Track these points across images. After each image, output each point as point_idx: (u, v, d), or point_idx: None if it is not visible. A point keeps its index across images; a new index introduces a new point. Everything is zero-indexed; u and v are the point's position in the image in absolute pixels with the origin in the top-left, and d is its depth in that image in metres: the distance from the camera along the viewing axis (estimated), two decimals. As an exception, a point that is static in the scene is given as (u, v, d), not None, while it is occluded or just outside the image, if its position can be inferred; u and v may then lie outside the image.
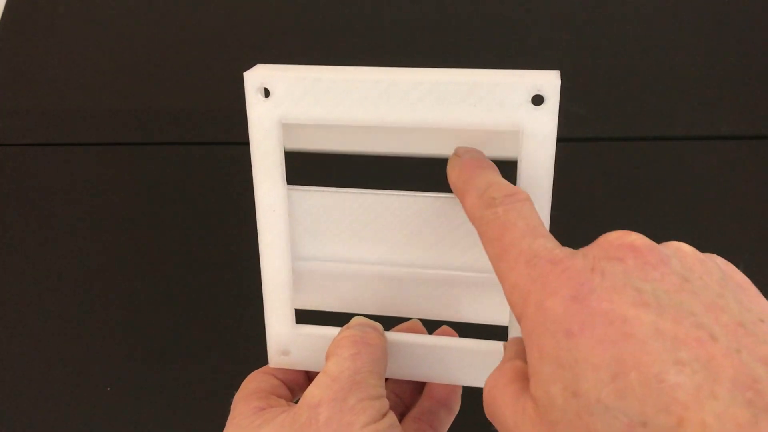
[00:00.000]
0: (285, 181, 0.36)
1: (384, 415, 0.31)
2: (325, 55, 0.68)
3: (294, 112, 0.34)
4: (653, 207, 0.59)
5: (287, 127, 0.36)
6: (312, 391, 0.32)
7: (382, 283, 0.38)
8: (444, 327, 0.39)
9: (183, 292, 0.59)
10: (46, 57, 0.73)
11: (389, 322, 0.39)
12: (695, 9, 0.70)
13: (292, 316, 0.38)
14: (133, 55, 0.72)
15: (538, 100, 0.32)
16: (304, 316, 0.39)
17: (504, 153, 0.34)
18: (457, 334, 0.38)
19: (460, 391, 0.38)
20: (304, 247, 0.38)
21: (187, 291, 0.59)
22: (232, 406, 0.35)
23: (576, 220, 0.59)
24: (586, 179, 0.61)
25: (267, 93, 0.34)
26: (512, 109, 0.32)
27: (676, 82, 0.66)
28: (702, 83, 0.66)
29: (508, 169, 0.33)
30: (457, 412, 0.38)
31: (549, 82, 0.31)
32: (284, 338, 0.39)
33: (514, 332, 0.35)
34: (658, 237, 0.62)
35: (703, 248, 0.57)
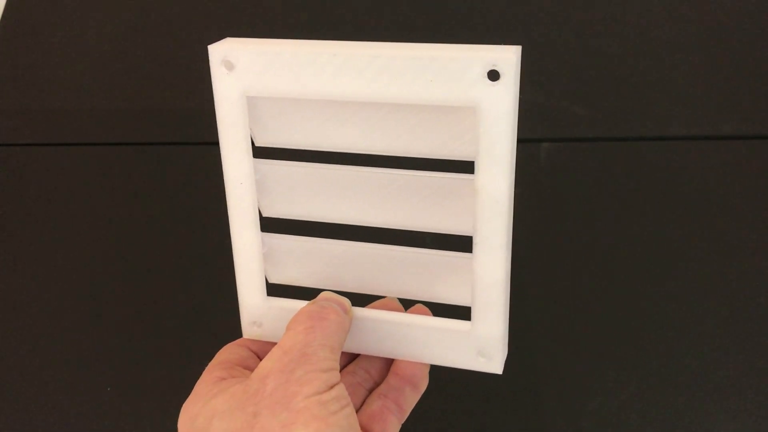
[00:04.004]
0: (251, 154, 0.36)
1: (331, 387, 0.32)
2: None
3: (257, 85, 0.34)
4: (653, 207, 0.59)
5: (260, 123, 0.36)
6: (264, 364, 0.33)
7: (352, 260, 0.38)
8: (418, 305, 0.39)
9: (183, 292, 0.59)
10: (46, 57, 0.73)
11: (365, 300, 0.39)
12: (695, 9, 0.70)
13: (263, 289, 0.39)
14: (133, 55, 0.72)
15: (493, 75, 0.31)
16: (289, 291, 0.40)
17: (467, 131, 0.34)
18: (430, 313, 0.39)
19: (427, 370, 0.38)
20: (275, 220, 0.39)
21: (188, 291, 0.59)
22: (202, 375, 0.36)
23: (576, 220, 0.60)
24: (586, 179, 0.61)
25: (231, 66, 0.34)
26: (468, 85, 0.31)
27: (676, 82, 0.66)
28: (702, 83, 0.66)
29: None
30: (423, 391, 0.39)
31: (505, 56, 0.30)
32: (256, 310, 0.39)
33: (476, 313, 0.36)
34: (659, 237, 0.63)
35: (703, 248, 0.57)
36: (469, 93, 0.31)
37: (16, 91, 0.71)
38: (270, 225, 0.39)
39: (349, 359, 0.40)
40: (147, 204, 0.64)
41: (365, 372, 0.39)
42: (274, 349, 0.34)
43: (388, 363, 0.39)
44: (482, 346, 0.36)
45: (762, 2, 0.70)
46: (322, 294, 0.37)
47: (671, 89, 0.66)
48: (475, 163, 0.33)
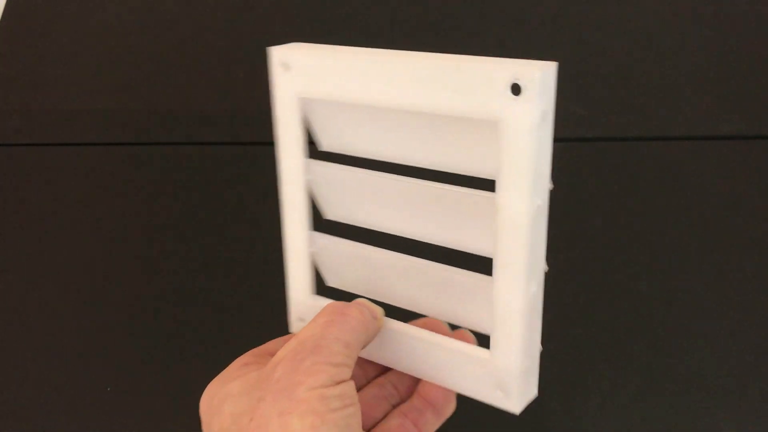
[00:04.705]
0: (304, 154, 0.37)
1: (338, 383, 0.31)
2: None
3: (309, 87, 0.36)
4: (653, 207, 0.59)
5: (321, 128, 0.37)
6: (279, 352, 0.33)
7: (395, 272, 0.38)
8: (462, 330, 0.38)
9: (183, 292, 0.59)
10: (46, 57, 0.73)
11: (409, 317, 0.38)
12: (695, 9, 0.70)
13: (310, 287, 0.39)
14: (133, 55, 0.72)
15: (516, 89, 0.30)
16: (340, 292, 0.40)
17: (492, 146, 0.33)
18: (474, 340, 0.37)
19: (451, 397, 0.37)
20: (327, 219, 0.39)
21: (187, 291, 0.59)
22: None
23: (576, 219, 0.59)
24: (586, 179, 0.61)
25: (288, 68, 0.36)
26: (491, 98, 0.31)
27: (676, 82, 0.66)
28: (702, 83, 0.66)
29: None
30: (446, 417, 0.38)
31: (528, 71, 0.30)
32: (302, 307, 0.40)
33: (494, 342, 0.34)
34: (659, 236, 0.62)
35: (703, 248, 0.57)
36: (491, 106, 0.31)
37: (16, 91, 0.71)
38: (333, 228, 0.39)
39: (381, 371, 0.40)
40: (147, 204, 0.64)
41: (393, 387, 0.38)
42: (292, 339, 0.33)
43: (417, 382, 0.38)
44: (501, 378, 0.34)
45: (762, 2, 0.70)
46: (357, 299, 0.37)
47: (671, 89, 0.66)
48: (496, 182, 0.32)
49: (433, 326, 0.38)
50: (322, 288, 0.40)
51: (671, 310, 0.55)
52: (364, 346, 0.35)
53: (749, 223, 0.58)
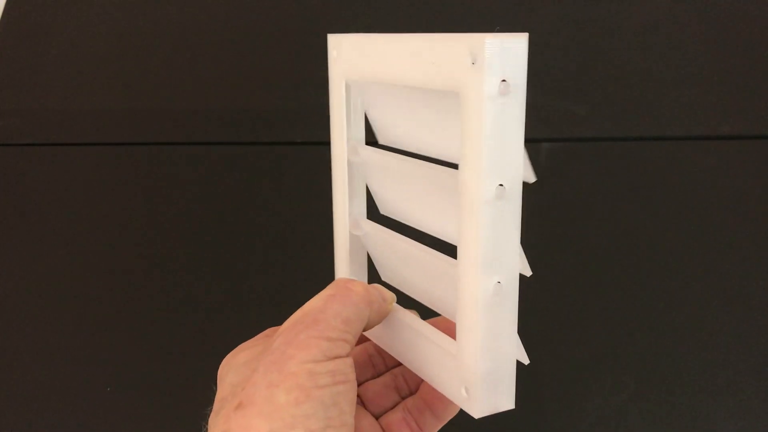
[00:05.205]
0: (348, 138, 0.38)
1: (331, 359, 0.30)
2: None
3: (350, 71, 0.38)
4: (653, 207, 0.59)
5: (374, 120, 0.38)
6: (284, 323, 0.33)
7: (424, 269, 0.37)
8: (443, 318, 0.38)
9: (183, 292, 0.59)
10: (46, 57, 0.73)
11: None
12: (695, 9, 0.70)
13: (348, 270, 0.40)
14: (133, 55, 0.72)
15: (473, 59, 0.30)
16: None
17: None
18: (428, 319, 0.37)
19: (449, 402, 0.36)
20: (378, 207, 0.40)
21: (188, 291, 0.59)
22: None
23: (576, 219, 0.59)
24: (586, 179, 0.61)
25: (337, 54, 0.38)
26: (455, 70, 0.31)
27: (676, 82, 0.66)
28: (702, 83, 0.66)
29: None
30: (446, 420, 0.37)
31: (481, 42, 0.29)
32: None
33: (459, 334, 0.33)
34: (658, 236, 0.62)
35: (702, 248, 0.57)
36: (455, 77, 0.31)
37: (16, 91, 0.71)
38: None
39: (400, 363, 0.39)
40: (146, 204, 0.64)
41: (404, 380, 0.38)
42: (296, 312, 0.33)
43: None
44: (464, 375, 0.32)
45: (762, 2, 0.70)
46: (373, 284, 0.36)
47: (671, 89, 0.66)
48: (459, 159, 0.31)
49: (446, 326, 0.37)
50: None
51: (670, 310, 0.55)
52: (369, 327, 0.34)
53: (749, 223, 0.58)
